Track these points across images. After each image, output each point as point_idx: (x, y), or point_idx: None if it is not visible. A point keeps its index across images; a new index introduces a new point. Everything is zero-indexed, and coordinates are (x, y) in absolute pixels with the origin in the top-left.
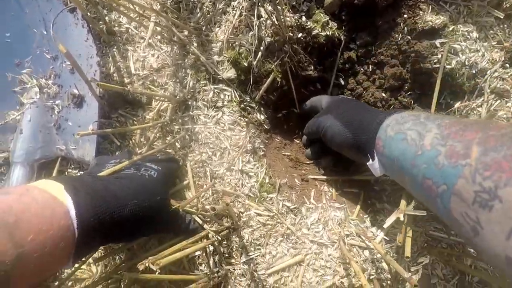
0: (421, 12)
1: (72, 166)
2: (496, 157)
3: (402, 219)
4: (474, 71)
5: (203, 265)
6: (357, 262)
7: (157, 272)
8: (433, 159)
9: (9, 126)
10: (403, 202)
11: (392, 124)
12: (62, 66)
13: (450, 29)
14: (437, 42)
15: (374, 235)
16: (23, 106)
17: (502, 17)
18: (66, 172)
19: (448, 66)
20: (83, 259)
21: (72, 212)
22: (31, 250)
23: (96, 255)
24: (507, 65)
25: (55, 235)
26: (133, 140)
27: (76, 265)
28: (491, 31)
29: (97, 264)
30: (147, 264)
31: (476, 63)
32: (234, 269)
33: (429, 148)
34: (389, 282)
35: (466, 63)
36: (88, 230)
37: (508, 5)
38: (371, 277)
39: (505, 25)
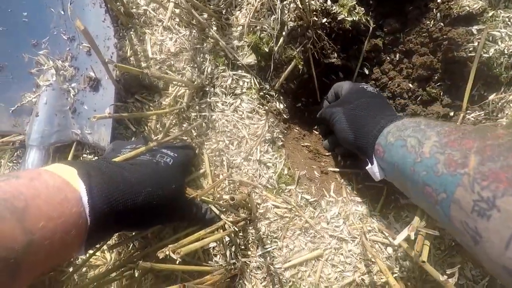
0: None
1: (88, 151)
2: (493, 167)
3: (412, 237)
4: None
5: (218, 256)
6: (380, 259)
7: (178, 262)
8: (432, 167)
9: (25, 109)
10: (416, 219)
11: (392, 131)
12: (79, 47)
13: (490, 14)
14: (474, 28)
15: (398, 232)
16: (40, 88)
17: None
18: (81, 157)
19: (485, 55)
20: (97, 246)
21: (85, 199)
22: (41, 237)
23: (110, 242)
24: None
25: (67, 222)
26: (148, 126)
27: (90, 252)
28: None
29: (111, 251)
30: (167, 252)
31: None
32: (250, 262)
33: (428, 156)
34: (413, 281)
35: (506, 52)
36: (101, 217)
37: None
38: (394, 276)
39: None
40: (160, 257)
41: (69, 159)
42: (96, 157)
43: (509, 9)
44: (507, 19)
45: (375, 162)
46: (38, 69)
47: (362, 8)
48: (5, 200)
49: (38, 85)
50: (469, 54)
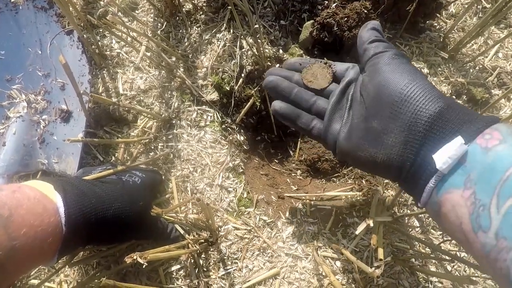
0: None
1: None
2: None
3: (372, 225)
4: None
5: (180, 280)
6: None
7: (144, 266)
8: None
9: None
10: (372, 211)
11: None
12: (53, 83)
13: None
14: None
15: (345, 246)
16: (9, 120)
17: (446, 57)
18: None
19: None
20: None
21: (61, 210)
22: (23, 243)
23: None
24: (454, 97)
25: (45, 230)
26: (116, 156)
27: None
28: (439, 69)
29: (72, 268)
30: (134, 257)
31: None
32: (211, 284)
33: None
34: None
35: None
36: (75, 228)
37: (450, 48)
38: (342, 287)
39: (450, 64)
40: (128, 262)
41: None
42: None
43: (420, 61)
44: (418, 69)
45: (467, 146)
46: (10, 102)
47: (308, 57)
48: None
49: (7, 117)
50: None
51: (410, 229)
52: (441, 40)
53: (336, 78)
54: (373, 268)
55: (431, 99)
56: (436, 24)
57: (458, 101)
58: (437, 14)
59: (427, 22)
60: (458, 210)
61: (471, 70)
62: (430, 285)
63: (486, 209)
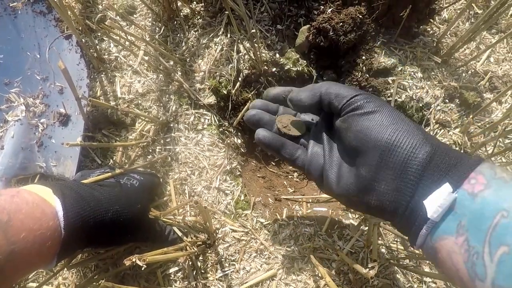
0: (375, 55)
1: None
2: None
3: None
4: (420, 105)
5: (178, 282)
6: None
7: (142, 268)
8: None
9: None
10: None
11: (499, 167)
12: (51, 86)
13: (399, 69)
14: (389, 79)
15: (341, 248)
16: (7, 123)
17: (439, 62)
18: None
19: (399, 99)
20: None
21: (60, 214)
22: (22, 247)
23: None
24: (447, 100)
25: (44, 234)
26: (114, 159)
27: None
28: (432, 73)
29: (71, 271)
30: (133, 260)
31: (422, 98)
32: (209, 285)
33: None
34: None
35: (414, 97)
36: (73, 232)
37: (443, 52)
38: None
39: (443, 68)
40: (127, 264)
41: None
42: None
43: (413, 65)
44: (412, 73)
45: (455, 193)
46: (8, 106)
47: (305, 61)
48: None
49: (6, 120)
50: (388, 99)
51: None
52: (435, 45)
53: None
54: (368, 269)
55: (419, 145)
56: (429, 29)
57: (441, 141)
58: (430, 20)
59: (421, 27)
60: (454, 257)
61: (464, 74)
62: (424, 285)
63: (480, 257)
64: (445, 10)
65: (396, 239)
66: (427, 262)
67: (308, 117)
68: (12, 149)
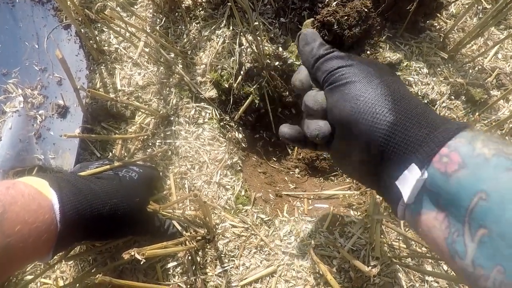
0: (381, 50)
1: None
2: None
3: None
4: (426, 101)
5: (177, 277)
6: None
7: (141, 262)
8: None
9: None
10: (369, 210)
11: (481, 138)
12: (50, 77)
13: (405, 64)
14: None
15: (342, 245)
16: (5, 115)
17: (446, 58)
18: None
19: None
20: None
21: (56, 207)
22: (17, 240)
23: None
24: (453, 97)
25: (40, 227)
26: (113, 152)
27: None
28: (438, 69)
29: (68, 263)
30: (132, 253)
31: (427, 94)
32: (208, 280)
33: None
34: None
35: (419, 94)
36: (70, 225)
37: (450, 48)
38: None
39: (449, 64)
40: (126, 258)
41: None
42: None
43: (419, 61)
44: (418, 69)
45: (425, 173)
46: (6, 97)
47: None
48: None
49: (3, 111)
50: None
51: (406, 229)
52: (441, 40)
53: None
54: (370, 267)
55: (381, 115)
56: (436, 24)
57: (415, 100)
58: (438, 14)
59: (427, 22)
60: (434, 232)
61: (470, 71)
62: (426, 284)
63: (460, 235)
64: (452, 4)
65: (398, 237)
66: (430, 261)
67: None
68: (10, 140)
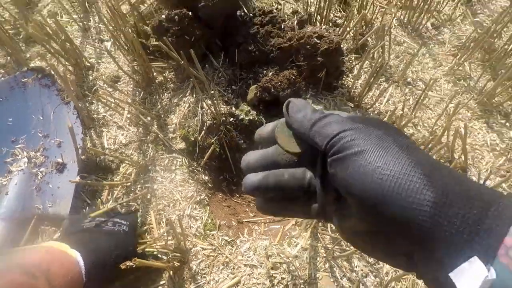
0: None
1: (46, 223)
2: None
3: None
4: None
5: None
6: (277, 273)
7: (134, 265)
8: None
9: None
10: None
11: None
12: (51, 142)
13: None
14: None
15: (290, 253)
16: (11, 173)
17: (353, 106)
18: (39, 229)
19: None
20: None
21: (81, 263)
22: None
23: None
24: None
25: (73, 279)
26: (101, 198)
27: None
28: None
29: None
30: (128, 264)
31: None
32: None
33: None
34: (302, 286)
35: None
36: (91, 277)
37: (356, 99)
38: (287, 284)
39: (357, 111)
40: (122, 268)
41: (28, 231)
42: (53, 228)
43: (336, 110)
44: None
45: (493, 272)
46: (13, 159)
47: (255, 112)
48: (36, 265)
49: (10, 171)
50: None
51: (336, 233)
52: (349, 94)
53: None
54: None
55: (417, 192)
56: (345, 83)
57: (443, 166)
58: (343, 77)
59: (339, 82)
60: None
61: (371, 114)
62: (354, 273)
63: None
64: (354, 68)
65: (331, 241)
66: (357, 256)
67: None
68: (16, 194)
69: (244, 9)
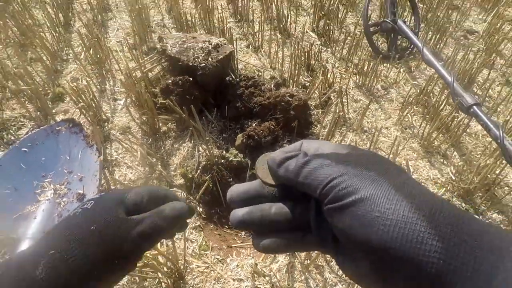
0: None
1: None
2: None
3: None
4: None
5: None
6: (261, 284)
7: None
8: None
9: (23, 216)
10: None
11: None
12: (74, 177)
13: None
14: None
15: (271, 268)
16: (39, 202)
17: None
18: None
19: None
20: None
21: None
22: None
23: None
24: None
25: None
26: None
27: None
28: None
29: None
30: None
31: None
32: None
33: None
34: None
35: None
36: None
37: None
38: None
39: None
40: None
41: None
42: None
43: None
44: None
45: None
46: (41, 190)
47: (242, 155)
48: None
49: (38, 200)
50: None
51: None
52: (318, 139)
53: None
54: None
55: (423, 247)
56: (314, 131)
57: (445, 206)
58: (313, 126)
59: (309, 130)
60: None
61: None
62: (325, 282)
63: None
64: (320, 119)
65: (306, 257)
66: (328, 270)
67: None
68: (43, 218)
69: (232, 75)
